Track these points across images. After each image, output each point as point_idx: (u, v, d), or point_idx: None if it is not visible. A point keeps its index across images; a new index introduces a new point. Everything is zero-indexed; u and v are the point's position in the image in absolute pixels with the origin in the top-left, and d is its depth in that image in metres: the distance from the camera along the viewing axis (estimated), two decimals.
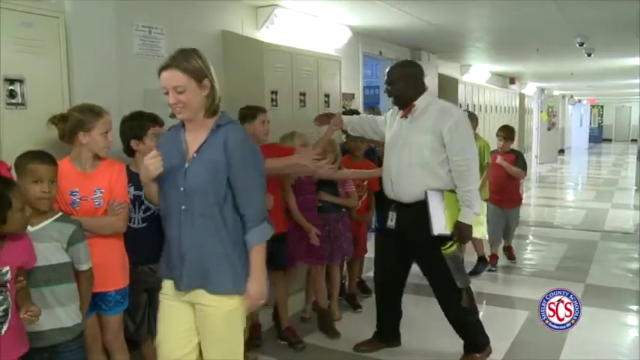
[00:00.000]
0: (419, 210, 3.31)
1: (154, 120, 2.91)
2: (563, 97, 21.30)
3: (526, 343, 3.84)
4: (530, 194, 12.11)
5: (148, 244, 2.83)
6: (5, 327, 2.12)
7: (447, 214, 3.29)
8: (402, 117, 3.47)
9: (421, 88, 3.46)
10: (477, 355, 3.55)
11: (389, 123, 3.62)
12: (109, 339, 2.79)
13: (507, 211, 5.73)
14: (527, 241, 7.51)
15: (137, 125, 2.86)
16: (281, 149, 3.66)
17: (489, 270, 5.65)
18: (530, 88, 15.68)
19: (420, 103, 3.40)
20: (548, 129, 17.50)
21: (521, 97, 13.27)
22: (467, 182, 3.28)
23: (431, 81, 8.00)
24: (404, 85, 3.41)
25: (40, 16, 2.92)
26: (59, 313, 2.36)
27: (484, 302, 4.82)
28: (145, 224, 2.87)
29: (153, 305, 2.89)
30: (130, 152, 2.91)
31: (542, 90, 17.42)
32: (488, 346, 3.58)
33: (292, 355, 3.71)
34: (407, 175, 3.37)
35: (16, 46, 2.80)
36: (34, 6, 2.91)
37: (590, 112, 28.57)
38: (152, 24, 3.91)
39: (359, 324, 4.18)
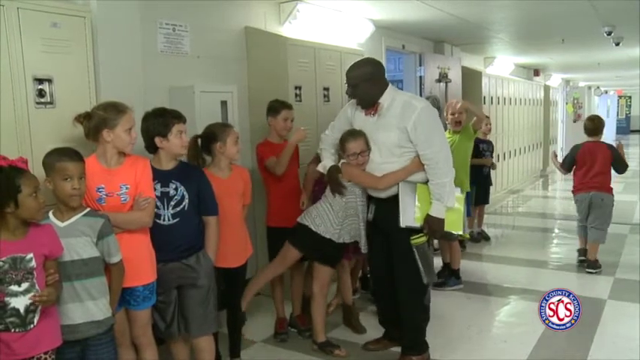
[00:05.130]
0: (394, 202, 3.30)
1: (178, 117, 2.90)
2: (589, 88, 20.92)
3: (554, 337, 3.79)
4: (556, 187, 11.97)
5: (181, 238, 2.88)
6: (37, 317, 2.18)
7: (418, 207, 3.26)
8: (367, 114, 3.39)
9: (384, 85, 3.36)
10: (414, 357, 3.48)
11: (352, 118, 3.52)
12: (137, 334, 2.82)
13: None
14: (554, 234, 7.45)
15: (161, 122, 2.84)
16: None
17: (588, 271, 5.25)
18: (555, 80, 15.44)
19: (384, 99, 3.32)
20: (574, 121, 17.18)
21: (546, 89, 13.09)
22: (436, 175, 3.22)
23: (454, 74, 7.94)
24: (369, 86, 3.31)
25: (67, 17, 2.97)
26: (91, 306, 2.41)
27: (511, 296, 4.79)
28: (176, 220, 2.87)
29: (181, 302, 2.94)
30: (152, 149, 2.92)
31: (567, 81, 17.16)
32: (427, 353, 3.53)
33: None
34: (380, 172, 3.34)
35: (44, 47, 2.86)
36: (60, 7, 2.96)
37: (618, 103, 28.05)
38: (176, 22, 3.94)
39: None
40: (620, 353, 3.64)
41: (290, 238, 3.61)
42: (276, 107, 3.84)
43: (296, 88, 4.59)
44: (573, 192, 5.50)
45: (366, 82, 3.31)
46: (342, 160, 3.46)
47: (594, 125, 5.38)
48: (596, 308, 4.35)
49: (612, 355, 3.63)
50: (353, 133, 3.41)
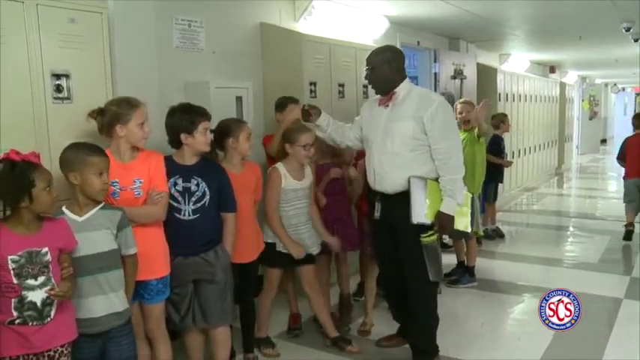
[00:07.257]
0: (401, 199, 3.22)
1: (204, 114, 2.92)
2: (606, 85, 20.73)
3: (569, 336, 3.76)
4: (571, 185, 11.89)
5: (201, 233, 2.91)
6: (53, 310, 2.20)
7: (429, 203, 3.19)
8: (380, 105, 3.35)
9: (403, 74, 3.33)
10: None
11: (366, 115, 3.49)
12: (150, 327, 2.84)
13: None
14: (569, 232, 7.40)
15: (188, 119, 2.86)
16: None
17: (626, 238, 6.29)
18: (571, 77, 15.31)
19: (401, 90, 3.28)
20: (590, 118, 17.09)
21: (562, 86, 12.96)
22: (449, 171, 3.18)
23: (470, 71, 7.90)
24: (387, 70, 3.27)
25: (84, 13, 2.99)
26: (112, 298, 2.44)
27: (525, 294, 4.76)
28: (196, 215, 2.90)
29: (199, 295, 2.95)
30: (176, 144, 2.94)
31: (583, 79, 17.00)
32: (437, 357, 3.45)
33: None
34: (390, 164, 3.26)
35: (61, 42, 2.88)
36: (77, 3, 2.97)
37: (635, 101, 27.73)
38: (191, 18, 3.96)
39: None
40: (637, 353, 3.60)
41: (265, 262, 3.55)
42: (284, 102, 3.89)
43: (311, 84, 4.59)
44: (623, 178, 6.53)
45: (385, 65, 3.28)
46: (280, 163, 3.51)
47: (638, 120, 6.45)
48: (612, 308, 4.31)
49: (628, 355, 3.60)
50: (307, 127, 3.52)
